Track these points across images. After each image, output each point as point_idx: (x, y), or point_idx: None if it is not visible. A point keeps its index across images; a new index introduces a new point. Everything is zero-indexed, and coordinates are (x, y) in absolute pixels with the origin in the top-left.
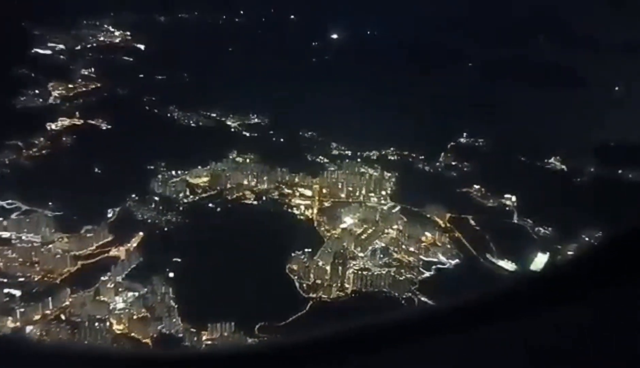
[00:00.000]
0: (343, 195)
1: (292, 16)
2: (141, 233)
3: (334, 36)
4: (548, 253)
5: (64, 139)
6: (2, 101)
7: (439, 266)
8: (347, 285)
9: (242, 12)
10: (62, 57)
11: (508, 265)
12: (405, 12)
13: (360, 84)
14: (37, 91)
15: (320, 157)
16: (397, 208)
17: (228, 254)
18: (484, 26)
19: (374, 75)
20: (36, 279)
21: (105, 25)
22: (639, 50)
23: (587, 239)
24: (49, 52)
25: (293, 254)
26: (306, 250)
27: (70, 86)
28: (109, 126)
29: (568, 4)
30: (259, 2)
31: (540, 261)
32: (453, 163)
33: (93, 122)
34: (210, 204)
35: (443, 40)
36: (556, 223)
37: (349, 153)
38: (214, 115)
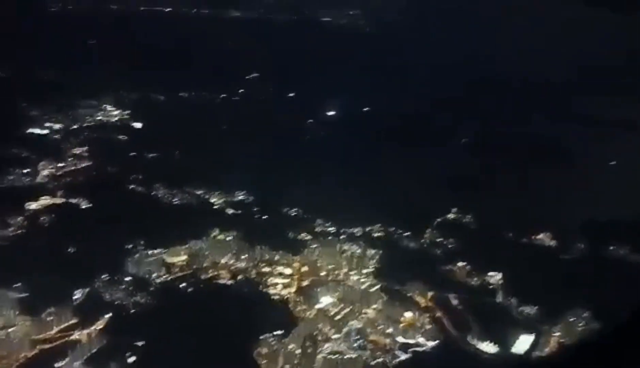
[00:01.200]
0: (323, 273)
1: (290, 94)
2: (108, 315)
3: (330, 113)
4: (533, 335)
5: (42, 218)
6: None
7: (416, 348)
8: None
9: (240, 90)
10: (56, 136)
11: (489, 347)
12: (405, 89)
13: (350, 161)
14: (25, 171)
15: (303, 234)
16: (377, 287)
17: (195, 337)
18: (481, 103)
19: (365, 151)
20: None
21: (104, 105)
22: (635, 128)
23: (572, 319)
24: (45, 131)
25: (262, 337)
26: (276, 332)
27: (60, 164)
28: (89, 205)
29: (567, 81)
30: (259, 81)
31: (523, 342)
32: (438, 240)
33: (74, 201)
34: (182, 285)
35: (439, 116)
36: (542, 302)
37: (333, 229)
38: (199, 192)
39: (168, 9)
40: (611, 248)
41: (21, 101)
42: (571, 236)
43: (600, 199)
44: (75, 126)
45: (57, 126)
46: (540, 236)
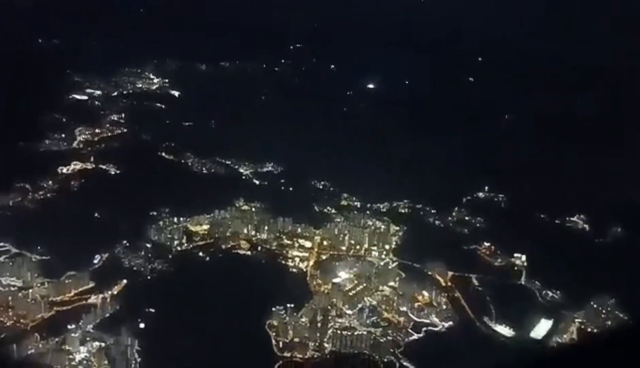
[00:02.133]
0: (344, 248)
1: (332, 66)
2: (124, 281)
3: (370, 86)
4: (552, 320)
5: (72, 183)
6: (25, 145)
7: (430, 328)
8: (326, 345)
9: (283, 61)
10: (97, 103)
11: (505, 331)
12: (452, 65)
13: (385, 135)
14: (63, 135)
15: (327, 208)
16: (396, 264)
17: (207, 306)
18: (529, 82)
19: (402, 126)
20: (8, 324)
21: (146, 73)
22: None
23: (596, 306)
24: (85, 97)
25: (275, 309)
26: (290, 305)
27: (97, 130)
28: (118, 171)
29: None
30: (303, 51)
31: (542, 328)
32: (466, 218)
33: (104, 167)
34: (201, 254)
35: (485, 93)
36: (567, 287)
37: (359, 204)
38: (229, 162)
39: None
40: None
41: (68, 68)
42: (607, 221)
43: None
44: (115, 93)
45: (97, 93)
46: (575, 219)
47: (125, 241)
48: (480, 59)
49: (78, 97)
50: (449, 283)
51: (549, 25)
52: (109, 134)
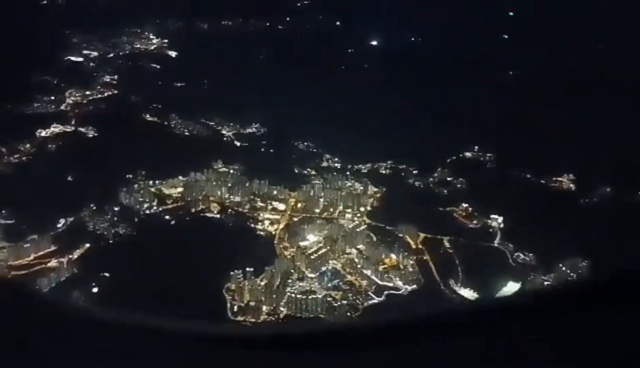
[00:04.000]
0: (318, 210)
1: (337, 23)
2: (87, 245)
3: (374, 43)
4: (520, 283)
5: (49, 146)
6: (12, 107)
7: (392, 292)
8: (282, 309)
9: (288, 18)
10: (92, 64)
11: (470, 294)
12: (455, 18)
13: (381, 93)
14: (52, 98)
15: (307, 169)
16: (367, 226)
17: (165, 270)
18: (537, 36)
19: (400, 84)
20: None
21: (146, 33)
22: None
23: (566, 269)
24: (80, 59)
25: (234, 272)
26: (249, 268)
27: (87, 92)
28: (96, 134)
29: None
30: (308, 9)
31: (508, 291)
32: (448, 179)
33: (83, 129)
34: (167, 217)
35: (490, 50)
36: (540, 250)
37: (339, 165)
38: (212, 124)
39: None
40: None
41: (66, 28)
42: (596, 181)
43: None
44: (111, 54)
45: (93, 54)
46: (562, 178)
47: (92, 205)
48: (510, 13)
49: (74, 58)
50: (420, 246)
51: None
52: (99, 96)
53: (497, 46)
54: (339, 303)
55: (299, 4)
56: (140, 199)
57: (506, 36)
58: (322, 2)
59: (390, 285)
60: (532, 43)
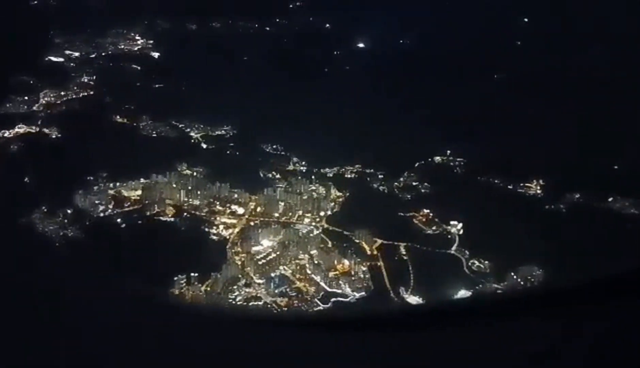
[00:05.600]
0: (277, 215)
1: (327, 25)
2: None
3: (361, 45)
4: (471, 292)
5: (11, 147)
6: None
7: (340, 299)
8: None
9: (278, 20)
10: (72, 64)
11: (418, 302)
12: (443, 22)
13: (361, 96)
14: (26, 98)
15: (272, 173)
16: (324, 231)
17: (112, 271)
18: (524, 35)
19: (381, 87)
20: None
21: (132, 34)
22: None
23: (515, 277)
24: (61, 59)
25: (177, 278)
26: (193, 274)
27: (62, 93)
28: (60, 135)
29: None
30: (300, 10)
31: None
32: (413, 184)
33: (47, 130)
34: (119, 220)
35: (477, 52)
36: (496, 257)
37: (305, 168)
38: (182, 125)
39: None
40: (609, 200)
41: (52, 28)
42: (565, 187)
43: (622, 148)
44: (93, 55)
45: (75, 54)
46: (530, 184)
47: (44, 207)
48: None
49: (54, 59)
50: (375, 252)
51: None
52: (73, 96)
53: (485, 50)
54: (283, 310)
55: (290, 5)
56: (97, 201)
57: (497, 40)
58: (313, 4)
59: (339, 291)
60: (521, 47)
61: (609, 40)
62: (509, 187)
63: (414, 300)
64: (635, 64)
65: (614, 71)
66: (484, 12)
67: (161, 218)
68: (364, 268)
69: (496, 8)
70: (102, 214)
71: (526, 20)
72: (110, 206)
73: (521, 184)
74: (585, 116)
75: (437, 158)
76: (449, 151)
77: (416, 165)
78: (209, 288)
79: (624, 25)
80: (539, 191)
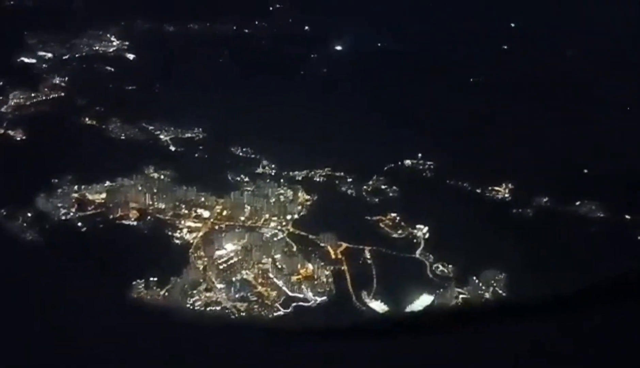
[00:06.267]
0: (243, 218)
1: (306, 27)
2: None
3: (338, 48)
4: (433, 296)
5: None
6: None
7: (301, 303)
8: None
9: (257, 22)
10: (44, 66)
11: (380, 307)
12: (422, 26)
13: (333, 100)
14: None
15: (241, 176)
16: (289, 235)
17: (65, 279)
18: (501, 43)
19: (356, 89)
20: None
21: (108, 35)
22: None
23: (477, 282)
24: (33, 61)
25: (136, 282)
26: (152, 278)
27: (32, 95)
28: (24, 137)
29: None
30: (280, 12)
31: (419, 304)
32: (382, 187)
33: (11, 132)
34: (79, 224)
35: (454, 55)
36: (461, 261)
37: (274, 172)
38: (151, 128)
39: None
40: (577, 204)
41: (27, 29)
42: (534, 191)
43: (596, 152)
44: (66, 56)
45: (48, 56)
46: (499, 187)
47: (3, 210)
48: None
49: (26, 60)
50: (339, 256)
51: None
52: (44, 98)
53: (463, 54)
54: (242, 315)
55: (270, 8)
56: (59, 204)
57: (473, 44)
58: (293, 6)
59: (301, 296)
60: (502, 51)
61: (588, 50)
62: (478, 191)
63: (375, 304)
64: (609, 72)
65: (587, 78)
66: (467, 17)
67: (124, 221)
68: (328, 272)
69: (481, 13)
70: (63, 218)
71: (513, 25)
72: (73, 210)
73: (490, 188)
74: (556, 122)
75: (408, 161)
76: (420, 155)
77: (385, 168)
78: (167, 293)
79: (605, 37)
80: (507, 195)
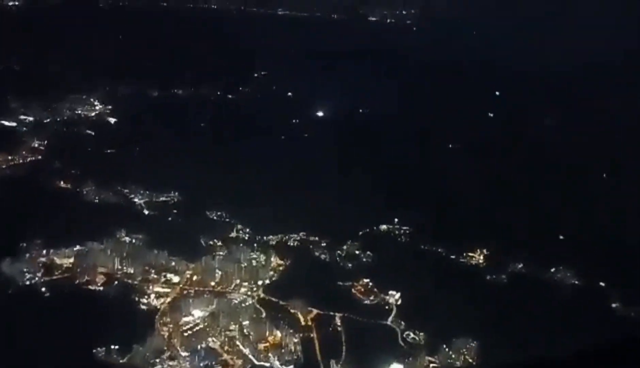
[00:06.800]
0: (213, 283)
1: (289, 93)
2: None
3: (320, 114)
4: (402, 365)
5: None
6: None
7: None
8: None
9: (241, 88)
10: (24, 129)
11: None
12: (409, 95)
13: (311, 165)
14: None
15: (214, 240)
16: (253, 301)
17: (24, 348)
18: (476, 112)
19: (335, 155)
20: None
21: (91, 99)
22: None
23: (450, 352)
24: (14, 124)
25: (96, 350)
26: (114, 347)
27: (9, 157)
28: None
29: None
30: (265, 80)
31: None
32: (356, 253)
33: None
34: (43, 289)
35: (435, 123)
36: (432, 329)
37: (248, 236)
38: (126, 191)
39: (204, 5)
40: (552, 270)
41: (9, 93)
42: (510, 257)
43: (572, 218)
44: (47, 120)
45: (29, 119)
46: (474, 254)
47: None
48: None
49: (7, 123)
50: (309, 323)
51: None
52: (21, 161)
53: (446, 120)
54: None
55: (255, 75)
56: (24, 269)
57: (462, 111)
58: (277, 74)
59: (267, 365)
60: (486, 119)
61: (565, 118)
62: (452, 257)
63: None
64: (586, 139)
65: (564, 145)
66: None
67: (90, 286)
68: (296, 340)
69: (468, 82)
70: (27, 283)
71: (498, 93)
72: (39, 274)
73: (464, 255)
74: (533, 188)
75: (383, 226)
76: (396, 219)
77: (361, 233)
78: (128, 362)
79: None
80: (481, 262)
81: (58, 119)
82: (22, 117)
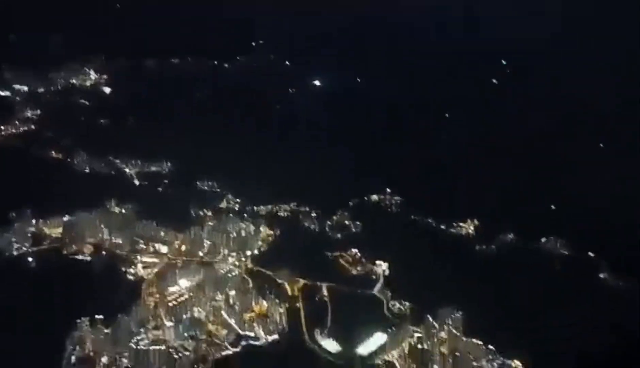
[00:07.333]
0: (201, 253)
1: (287, 62)
2: None
3: (316, 83)
4: (386, 335)
5: None
6: None
7: (251, 342)
8: (124, 360)
9: (238, 57)
10: (17, 99)
11: (332, 346)
12: (407, 67)
13: (306, 136)
14: None
15: (204, 210)
16: (240, 272)
17: (10, 317)
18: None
19: (330, 124)
20: None
21: (86, 69)
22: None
23: (435, 322)
24: (7, 93)
25: (80, 320)
26: (98, 316)
27: (2, 127)
28: None
29: None
30: (263, 49)
31: (372, 343)
32: (346, 223)
33: None
34: (30, 259)
35: (431, 93)
36: (418, 298)
37: (238, 207)
38: (117, 161)
39: None
40: (542, 240)
41: (2, 63)
42: (500, 227)
43: (564, 189)
44: (41, 90)
45: (23, 89)
46: (464, 224)
47: None
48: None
49: (1, 93)
50: (296, 293)
51: None
52: (13, 131)
53: (439, 91)
54: (186, 354)
55: (253, 43)
56: (13, 239)
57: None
58: (275, 43)
59: (252, 334)
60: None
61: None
62: (442, 227)
63: (328, 343)
64: (582, 110)
65: (559, 120)
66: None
67: (78, 256)
68: (282, 310)
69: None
70: (15, 253)
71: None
72: (27, 244)
73: (455, 224)
74: (525, 159)
75: (374, 196)
76: (388, 190)
77: (351, 203)
78: (112, 331)
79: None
80: (472, 232)
81: (52, 89)
82: (17, 87)
